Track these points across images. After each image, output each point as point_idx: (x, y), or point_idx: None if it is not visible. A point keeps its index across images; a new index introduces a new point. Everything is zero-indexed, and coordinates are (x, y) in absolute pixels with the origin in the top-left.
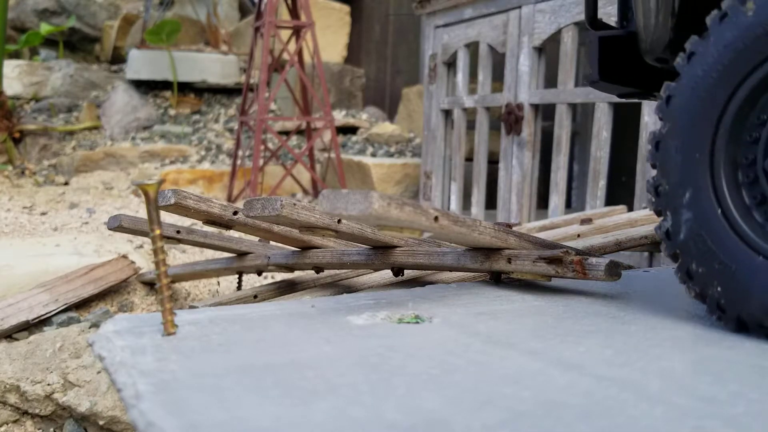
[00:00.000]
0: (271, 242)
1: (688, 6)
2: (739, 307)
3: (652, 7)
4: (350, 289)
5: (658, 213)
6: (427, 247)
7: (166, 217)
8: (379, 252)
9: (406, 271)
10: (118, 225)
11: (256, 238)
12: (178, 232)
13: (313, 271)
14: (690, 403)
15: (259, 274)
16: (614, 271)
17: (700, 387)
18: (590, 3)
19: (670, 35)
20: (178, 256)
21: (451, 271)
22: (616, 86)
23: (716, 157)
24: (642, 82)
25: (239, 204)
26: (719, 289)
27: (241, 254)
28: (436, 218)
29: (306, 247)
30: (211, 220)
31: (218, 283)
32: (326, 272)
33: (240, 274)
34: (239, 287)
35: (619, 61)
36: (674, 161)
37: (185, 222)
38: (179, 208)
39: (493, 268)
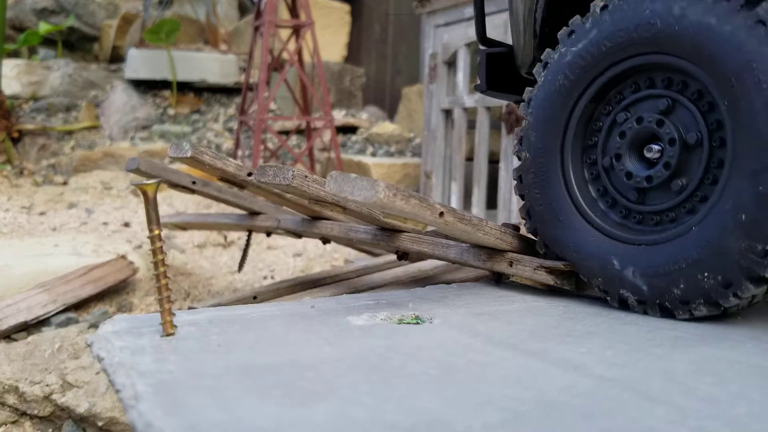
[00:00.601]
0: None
1: (547, 30)
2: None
3: (520, 29)
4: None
5: (534, 232)
6: (433, 238)
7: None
8: (386, 233)
9: (414, 270)
10: (135, 167)
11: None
12: (193, 182)
13: (318, 273)
14: (691, 403)
15: (268, 235)
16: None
17: (701, 387)
18: (479, 23)
19: (534, 54)
20: (178, 257)
21: (453, 263)
22: (502, 94)
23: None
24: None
25: None
26: (600, 279)
27: (253, 213)
28: (441, 213)
29: (316, 217)
30: (225, 179)
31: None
32: (327, 273)
33: (249, 232)
34: (247, 246)
35: (505, 73)
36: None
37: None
38: (195, 162)
39: (494, 269)
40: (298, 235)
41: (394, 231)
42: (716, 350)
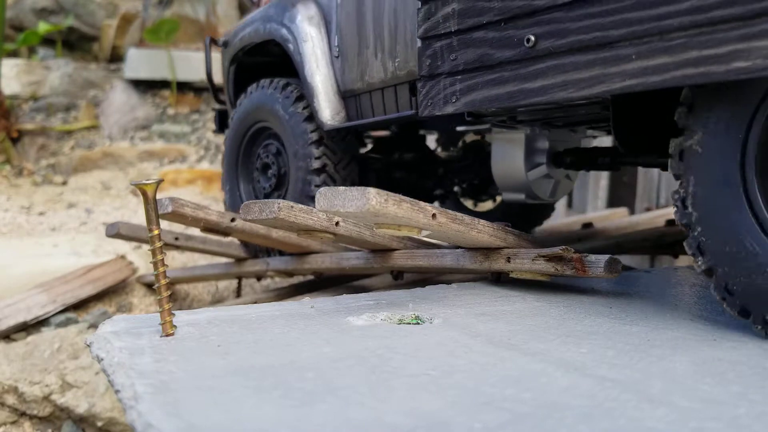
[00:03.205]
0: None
1: (236, 92)
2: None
3: (227, 96)
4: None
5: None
6: (426, 249)
7: (164, 225)
8: (378, 255)
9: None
10: (116, 233)
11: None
12: (176, 239)
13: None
14: (692, 404)
15: (259, 279)
16: (614, 267)
17: (702, 388)
18: (213, 91)
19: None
20: (177, 257)
21: (451, 272)
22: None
23: (241, 171)
24: None
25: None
26: None
27: (240, 259)
28: (434, 215)
29: (304, 253)
30: (209, 228)
31: (217, 287)
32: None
33: (239, 279)
34: (239, 293)
35: (227, 120)
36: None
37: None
38: (177, 216)
39: (493, 268)
40: (290, 274)
41: (386, 251)
42: (717, 351)
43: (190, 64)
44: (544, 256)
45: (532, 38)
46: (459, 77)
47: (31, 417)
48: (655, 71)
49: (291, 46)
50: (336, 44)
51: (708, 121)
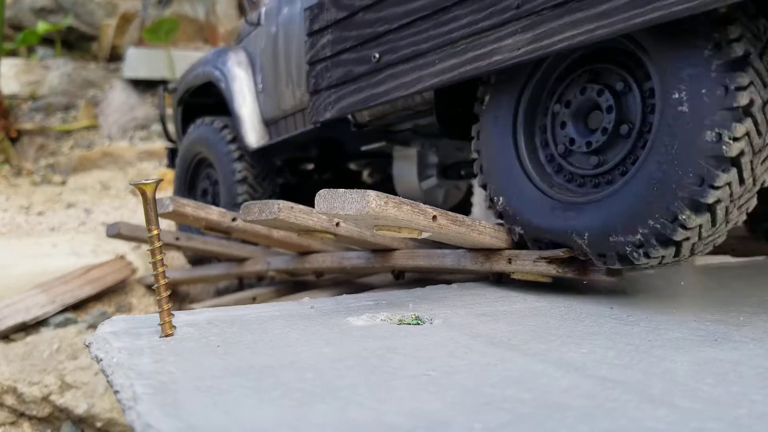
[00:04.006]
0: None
1: (184, 130)
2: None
3: (176, 130)
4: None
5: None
6: (428, 249)
7: (164, 224)
8: (379, 255)
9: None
10: (116, 233)
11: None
12: (177, 239)
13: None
14: (693, 405)
15: (260, 279)
16: (615, 270)
17: (703, 389)
18: (164, 129)
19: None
20: (176, 257)
21: (451, 273)
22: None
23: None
24: None
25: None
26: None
27: (241, 260)
28: (434, 217)
29: (306, 252)
30: (210, 227)
31: (217, 287)
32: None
33: (240, 279)
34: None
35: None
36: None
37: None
38: (178, 216)
39: (494, 269)
40: (291, 274)
41: (387, 251)
42: (718, 351)
43: (190, 63)
44: (545, 258)
45: (377, 55)
46: (333, 90)
47: (30, 417)
48: (449, 70)
49: (223, 85)
50: (260, 81)
51: (494, 100)
